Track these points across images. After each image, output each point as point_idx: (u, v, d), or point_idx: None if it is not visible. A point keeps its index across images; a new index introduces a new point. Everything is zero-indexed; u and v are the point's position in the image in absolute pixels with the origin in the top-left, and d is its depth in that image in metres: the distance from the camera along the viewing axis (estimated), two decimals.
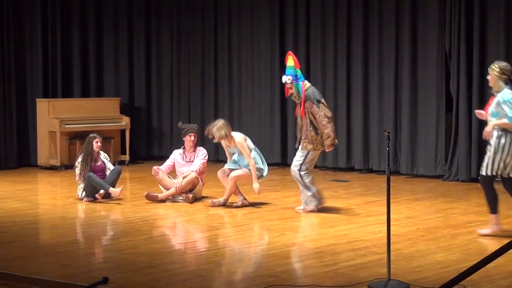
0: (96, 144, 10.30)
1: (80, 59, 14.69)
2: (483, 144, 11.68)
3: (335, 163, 13.20)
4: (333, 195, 10.63)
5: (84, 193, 10.20)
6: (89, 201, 10.13)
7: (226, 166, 9.88)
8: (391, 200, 6.10)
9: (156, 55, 15.15)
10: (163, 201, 10.13)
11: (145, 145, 15.21)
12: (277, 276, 6.44)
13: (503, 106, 7.70)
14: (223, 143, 9.95)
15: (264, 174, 9.75)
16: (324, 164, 13.24)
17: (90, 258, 7.14)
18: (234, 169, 9.76)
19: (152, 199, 10.13)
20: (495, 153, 7.75)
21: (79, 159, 10.33)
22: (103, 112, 14.21)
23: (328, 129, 9.09)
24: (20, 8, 13.99)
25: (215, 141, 9.91)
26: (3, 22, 13.71)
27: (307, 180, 9.25)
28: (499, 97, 7.74)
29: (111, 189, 10.14)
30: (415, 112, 12.36)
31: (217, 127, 9.66)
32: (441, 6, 11.99)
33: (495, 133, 7.76)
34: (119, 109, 14.44)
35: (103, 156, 10.50)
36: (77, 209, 9.76)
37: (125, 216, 9.39)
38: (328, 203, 9.83)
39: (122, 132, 14.32)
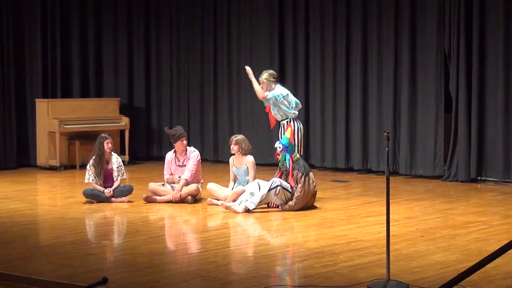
0: (107, 145, 10.16)
1: (80, 60, 14.70)
2: (482, 145, 11.73)
3: (334, 164, 13.19)
4: (332, 195, 10.64)
5: (91, 178, 10.14)
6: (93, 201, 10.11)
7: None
8: (390, 201, 6.10)
9: (156, 56, 15.16)
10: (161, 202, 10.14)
11: (144, 146, 15.22)
12: (277, 276, 6.44)
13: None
14: (232, 160, 10.06)
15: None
16: (323, 165, 13.25)
17: (90, 258, 7.13)
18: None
19: (151, 201, 10.12)
20: None
21: (91, 162, 10.18)
22: (103, 113, 14.20)
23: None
24: (20, 8, 13.99)
25: (235, 148, 9.99)
26: (3, 22, 13.70)
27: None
28: (270, 95, 9.80)
29: (114, 199, 10.12)
30: (414, 113, 12.36)
31: (244, 139, 10.05)
32: (440, 7, 11.99)
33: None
34: (118, 109, 14.44)
35: (115, 158, 10.33)
36: (76, 210, 9.74)
37: (124, 217, 9.39)
38: (328, 203, 9.84)
39: (122, 132, 14.32)
